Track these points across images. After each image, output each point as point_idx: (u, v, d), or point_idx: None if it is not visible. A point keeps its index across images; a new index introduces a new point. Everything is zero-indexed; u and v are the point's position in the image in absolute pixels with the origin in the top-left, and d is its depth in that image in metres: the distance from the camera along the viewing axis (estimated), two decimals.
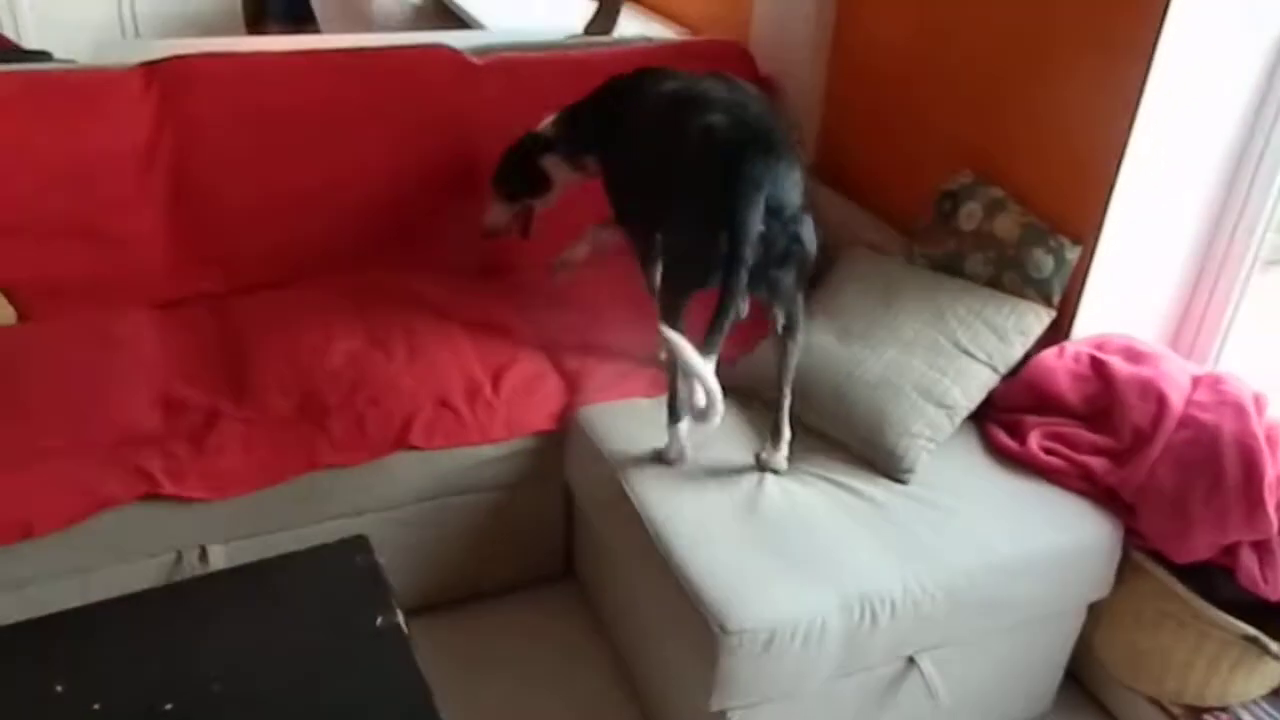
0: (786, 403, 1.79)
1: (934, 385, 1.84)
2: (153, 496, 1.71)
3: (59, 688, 1.26)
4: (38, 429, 1.74)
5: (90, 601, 1.40)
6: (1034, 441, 1.83)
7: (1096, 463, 1.78)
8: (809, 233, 1.66)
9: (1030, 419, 1.87)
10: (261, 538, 1.83)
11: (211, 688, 1.27)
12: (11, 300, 2.07)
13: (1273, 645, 1.65)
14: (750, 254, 1.55)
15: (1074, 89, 1.91)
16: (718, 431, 1.86)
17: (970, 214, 2.07)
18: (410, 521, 1.96)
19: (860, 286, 2.06)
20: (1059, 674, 1.95)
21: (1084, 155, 1.90)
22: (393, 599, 1.43)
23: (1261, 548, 1.68)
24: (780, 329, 1.76)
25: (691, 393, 1.56)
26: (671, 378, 1.79)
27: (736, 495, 1.73)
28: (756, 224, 1.56)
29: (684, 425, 1.77)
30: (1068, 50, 1.92)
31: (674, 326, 1.61)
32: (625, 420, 1.91)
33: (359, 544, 1.52)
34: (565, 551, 2.18)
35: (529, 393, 2.00)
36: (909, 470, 1.78)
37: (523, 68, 2.42)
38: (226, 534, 1.81)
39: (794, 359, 1.79)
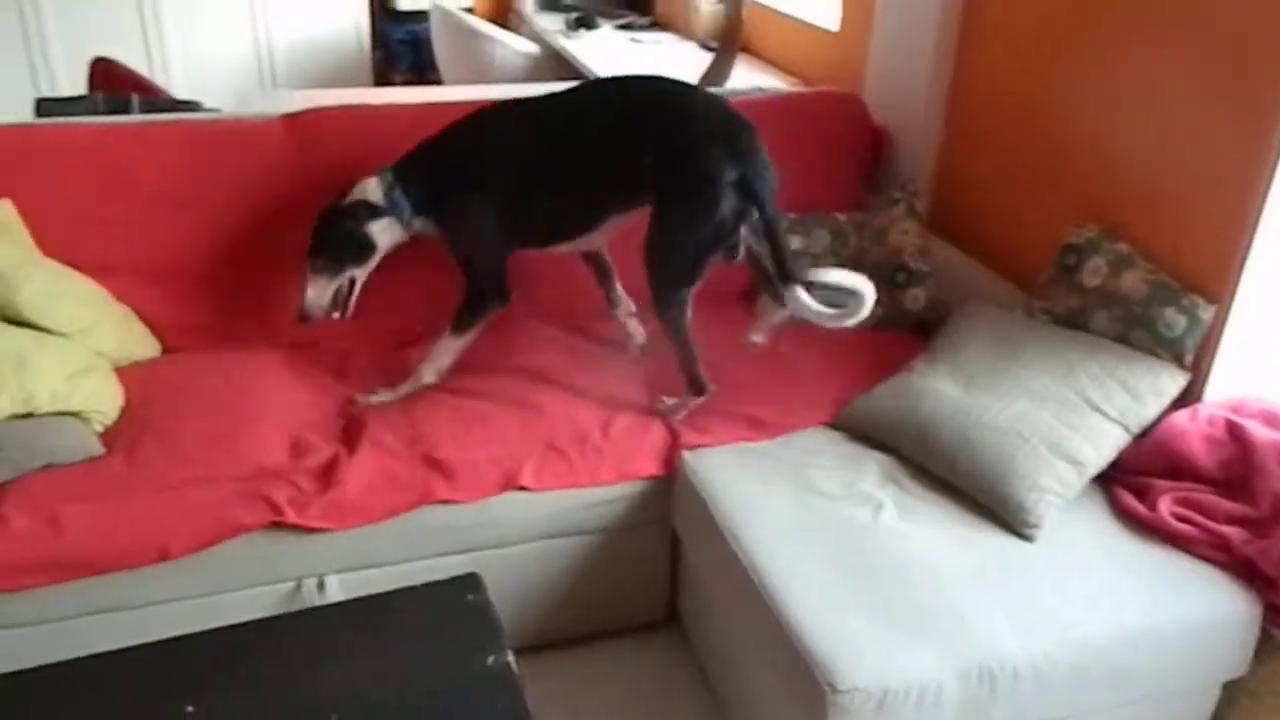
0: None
1: (1064, 440, 1.79)
2: (278, 525, 1.78)
3: (189, 708, 1.31)
4: (178, 459, 1.84)
5: (215, 626, 1.46)
6: (1164, 507, 1.75)
7: (1233, 532, 1.69)
8: None
9: (1160, 483, 1.79)
10: (376, 570, 1.88)
11: (330, 717, 1.31)
12: (156, 334, 2.19)
13: None
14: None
15: (1204, 147, 1.85)
16: (826, 477, 1.85)
17: (1095, 270, 2.01)
18: (516, 562, 1.98)
19: (982, 339, 2.03)
20: None
21: (1216, 213, 1.83)
22: (504, 638, 1.44)
23: None
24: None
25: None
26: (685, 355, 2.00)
27: (849, 543, 1.71)
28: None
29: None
30: (1197, 108, 1.86)
31: (692, 288, 1.94)
32: (730, 465, 1.91)
33: (471, 582, 1.55)
34: (669, 598, 2.17)
35: (636, 437, 2.02)
36: (1035, 525, 1.73)
37: None
38: (343, 565, 1.87)
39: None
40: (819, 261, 2.47)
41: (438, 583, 1.55)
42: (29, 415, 1.80)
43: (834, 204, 2.56)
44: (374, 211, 2.03)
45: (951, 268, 2.41)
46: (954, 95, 2.54)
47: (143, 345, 2.14)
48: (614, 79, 2.28)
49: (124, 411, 1.95)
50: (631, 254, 2.01)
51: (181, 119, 2.39)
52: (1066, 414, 1.82)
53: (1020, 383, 1.89)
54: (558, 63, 3.98)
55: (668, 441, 2.01)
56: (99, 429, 1.89)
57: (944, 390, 1.92)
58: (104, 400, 1.92)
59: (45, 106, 2.58)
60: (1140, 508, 1.78)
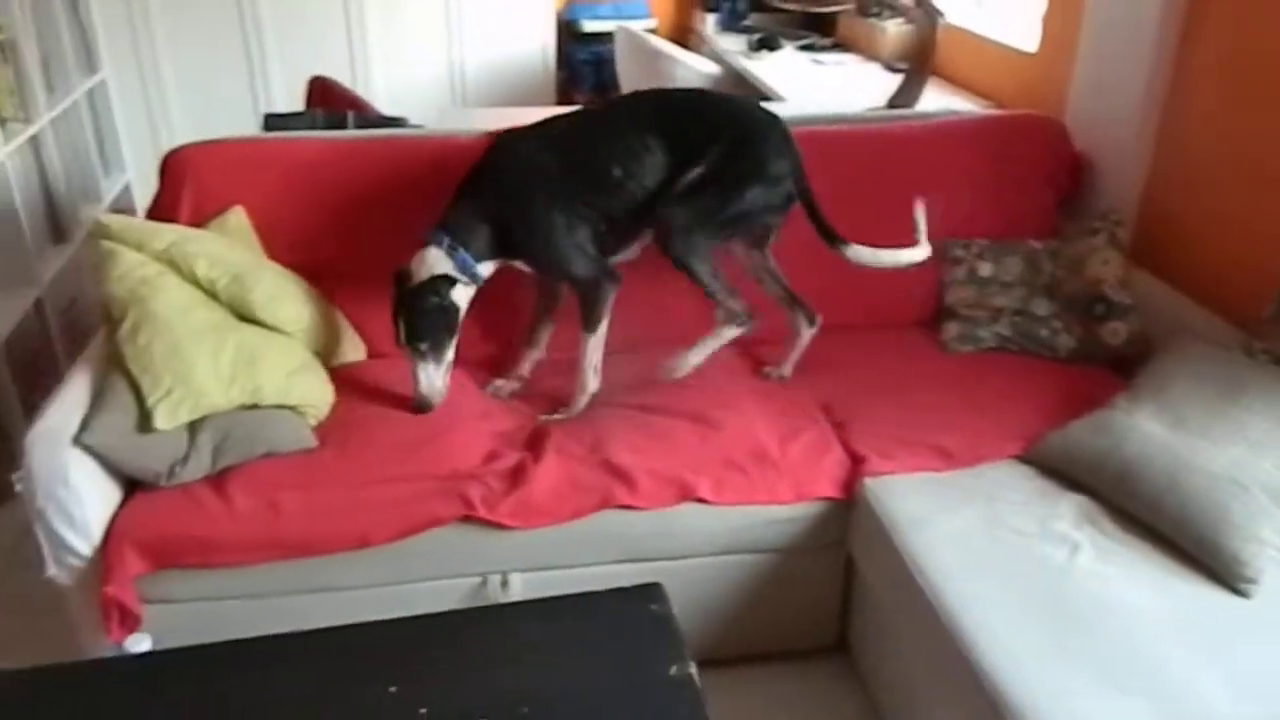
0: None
1: None
2: (469, 521, 1.86)
3: (392, 689, 1.39)
4: (381, 456, 1.96)
5: (409, 614, 1.54)
6: None
7: None
8: None
9: None
10: (556, 572, 1.95)
11: (521, 709, 1.35)
12: (363, 339, 2.34)
13: None
14: None
15: None
16: (1018, 512, 1.78)
17: None
18: (690, 575, 2.00)
19: (1194, 378, 1.90)
20: None
21: None
22: (686, 649, 1.46)
23: None
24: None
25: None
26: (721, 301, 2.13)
27: (1042, 584, 1.64)
28: None
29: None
30: None
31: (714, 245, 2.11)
32: (915, 493, 1.87)
33: (654, 592, 1.57)
34: (840, 624, 2.14)
35: (816, 459, 2.01)
36: (1251, 580, 1.61)
37: (830, 140, 2.45)
38: (526, 564, 1.94)
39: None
40: (1009, 291, 2.39)
41: (622, 589, 1.59)
42: (254, 406, 1.96)
43: (1028, 230, 2.47)
44: (451, 281, 2.04)
45: (1156, 301, 2.28)
46: (1166, 123, 2.41)
47: (352, 348, 2.29)
48: (648, 92, 2.33)
49: (334, 409, 2.09)
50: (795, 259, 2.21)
51: (392, 134, 2.56)
52: None
53: (1239, 427, 1.76)
54: (737, 83, 4.01)
55: (848, 465, 1.99)
56: (312, 423, 2.03)
57: (1150, 430, 1.82)
58: (319, 397, 2.07)
59: (271, 121, 2.79)
60: None
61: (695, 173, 2.07)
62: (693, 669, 1.42)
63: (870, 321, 2.45)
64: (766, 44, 4.14)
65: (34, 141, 2.99)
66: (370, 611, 1.54)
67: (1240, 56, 2.19)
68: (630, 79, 4.41)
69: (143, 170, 3.87)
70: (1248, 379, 1.86)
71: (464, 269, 2.05)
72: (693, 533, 1.96)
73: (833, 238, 2.11)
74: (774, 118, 2.18)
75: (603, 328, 2.14)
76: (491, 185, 2.11)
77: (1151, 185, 2.46)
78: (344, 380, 2.17)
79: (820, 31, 4.40)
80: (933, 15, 3.11)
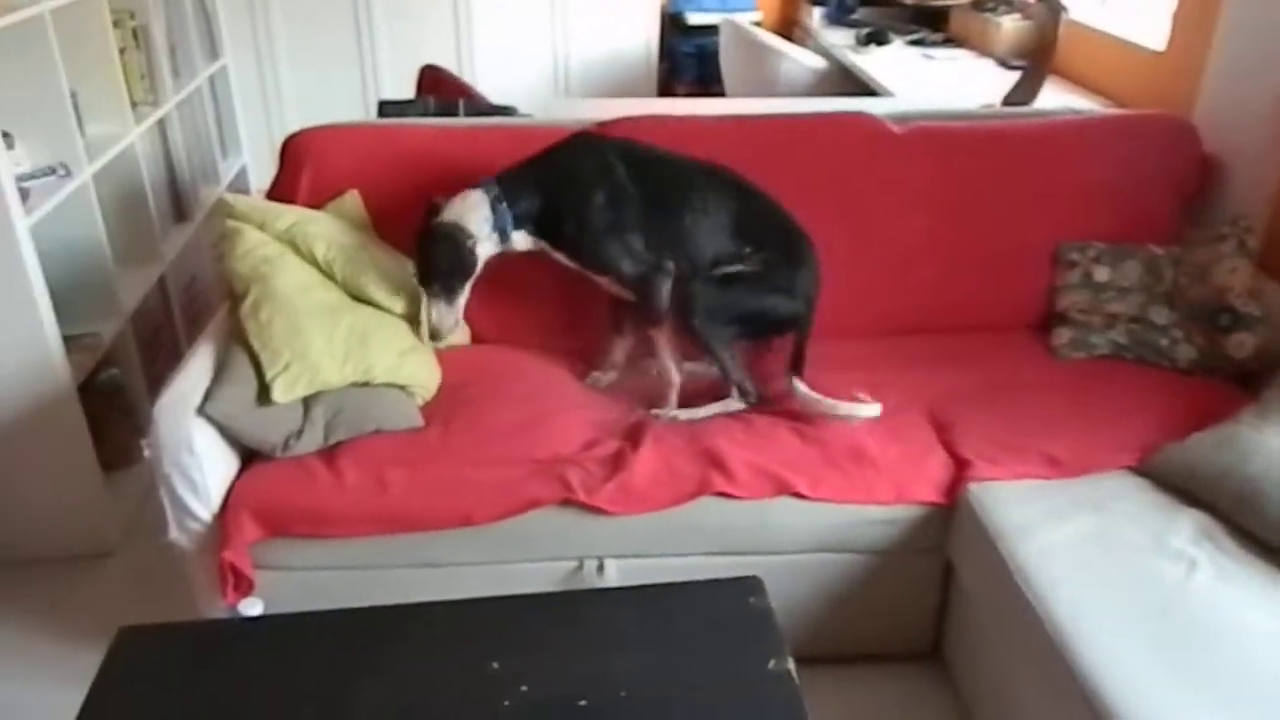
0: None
1: None
2: (569, 504, 1.89)
3: (495, 664, 1.42)
4: (485, 438, 2.00)
5: (509, 593, 1.57)
6: None
7: None
8: None
9: None
10: (651, 560, 1.95)
11: (620, 693, 1.37)
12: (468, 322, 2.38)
13: None
14: None
15: None
16: (1130, 525, 1.73)
17: None
18: (785, 571, 1.98)
19: None
20: None
21: None
22: (784, 644, 1.46)
23: None
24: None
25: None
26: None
27: (1156, 601, 1.58)
28: None
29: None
30: None
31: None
32: (1021, 501, 1.82)
33: (753, 585, 1.58)
34: (936, 630, 2.11)
35: (918, 461, 1.97)
36: None
37: (944, 137, 2.40)
38: (623, 550, 1.95)
39: None
40: (1126, 297, 2.31)
41: (721, 581, 1.59)
42: (365, 384, 2.02)
43: (1149, 234, 2.38)
44: (470, 235, 2.05)
45: None
46: None
47: (458, 331, 2.33)
48: (731, 172, 2.27)
49: (441, 390, 2.14)
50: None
51: (503, 123, 2.60)
52: None
53: None
54: (843, 78, 3.96)
55: (951, 470, 1.95)
56: (420, 403, 2.09)
57: (1278, 447, 1.74)
58: (426, 378, 2.12)
59: (386, 107, 2.86)
60: None
61: (737, 267, 2.15)
62: (791, 664, 1.42)
63: (976, 324, 2.40)
64: (875, 38, 4.07)
65: (161, 124, 3.12)
66: (470, 589, 1.57)
67: None
68: (734, 72, 4.39)
69: (257, 153, 4.02)
70: None
71: (499, 223, 2.06)
72: (789, 528, 1.95)
73: (797, 367, 2.14)
74: (812, 245, 2.24)
75: (669, 318, 2.16)
76: (561, 168, 2.15)
77: None
78: (449, 362, 2.22)
79: (931, 26, 4.31)
80: (1056, 11, 3.02)
